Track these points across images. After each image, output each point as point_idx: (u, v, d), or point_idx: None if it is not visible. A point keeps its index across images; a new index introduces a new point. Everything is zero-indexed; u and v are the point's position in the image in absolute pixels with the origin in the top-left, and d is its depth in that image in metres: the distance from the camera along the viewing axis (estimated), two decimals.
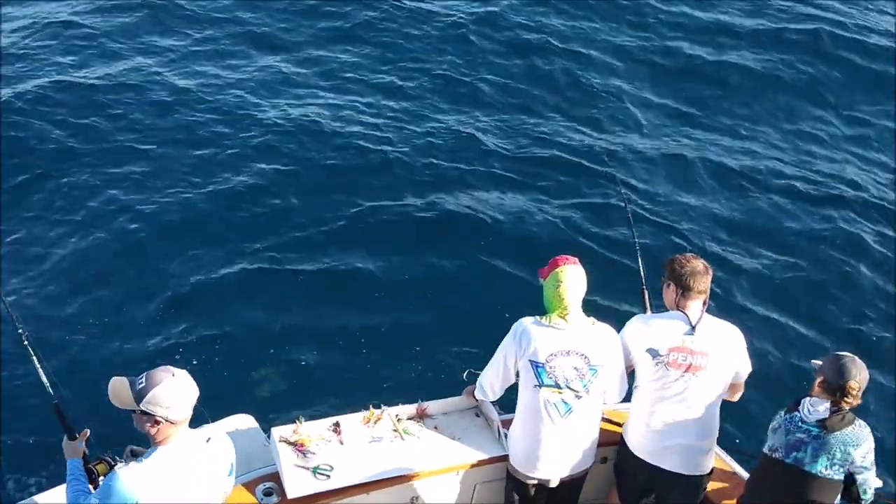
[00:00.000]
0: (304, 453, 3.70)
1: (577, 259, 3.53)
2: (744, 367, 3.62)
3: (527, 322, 3.49)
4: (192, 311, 6.10)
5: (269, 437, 3.83)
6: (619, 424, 3.89)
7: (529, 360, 3.42)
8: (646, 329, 3.56)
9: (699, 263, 3.58)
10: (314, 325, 6.05)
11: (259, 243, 6.78)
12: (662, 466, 3.61)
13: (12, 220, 6.80)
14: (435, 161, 7.99)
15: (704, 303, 3.57)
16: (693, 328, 3.49)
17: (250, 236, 6.85)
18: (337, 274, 6.57)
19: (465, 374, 4.03)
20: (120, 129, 7.98)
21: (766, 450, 3.39)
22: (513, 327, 3.52)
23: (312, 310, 6.19)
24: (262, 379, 5.55)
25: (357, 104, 8.75)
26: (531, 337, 3.42)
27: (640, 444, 3.66)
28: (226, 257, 6.62)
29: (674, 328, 3.51)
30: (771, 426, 3.44)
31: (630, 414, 3.73)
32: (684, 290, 3.51)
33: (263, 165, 7.68)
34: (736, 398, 3.73)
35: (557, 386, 3.40)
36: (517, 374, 3.52)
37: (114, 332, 5.86)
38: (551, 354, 3.40)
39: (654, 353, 3.51)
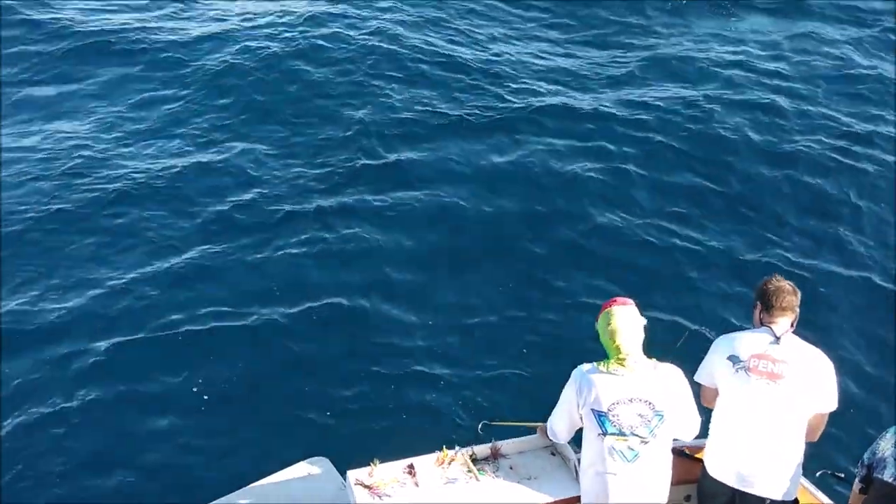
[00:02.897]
0: (379, 496, 3.70)
1: (630, 300, 3.48)
2: (829, 397, 3.51)
3: (585, 369, 3.43)
4: (257, 349, 6.12)
5: (345, 479, 3.84)
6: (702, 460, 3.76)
7: (591, 409, 3.35)
8: (729, 340, 3.61)
9: (785, 283, 3.64)
10: (383, 362, 6.05)
11: (314, 280, 6.82)
12: (745, 490, 3.50)
13: None
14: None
15: (792, 324, 3.58)
16: (777, 339, 3.50)
17: (302, 276, 6.87)
18: (401, 309, 6.56)
19: (479, 427, 4.04)
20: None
21: (889, 478, 3.32)
22: (572, 375, 3.47)
23: (381, 347, 6.19)
24: (334, 420, 5.56)
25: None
26: (591, 385, 3.36)
27: (721, 467, 3.56)
28: (283, 293, 6.64)
29: (758, 339, 3.55)
30: (892, 453, 3.35)
31: (710, 435, 3.64)
32: (768, 307, 3.58)
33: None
34: (816, 436, 3.61)
35: (622, 434, 3.32)
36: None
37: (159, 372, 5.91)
38: (613, 403, 3.32)
39: (735, 359, 3.52)
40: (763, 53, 10.34)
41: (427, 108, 8.91)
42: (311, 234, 7.24)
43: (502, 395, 5.78)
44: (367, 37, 10.00)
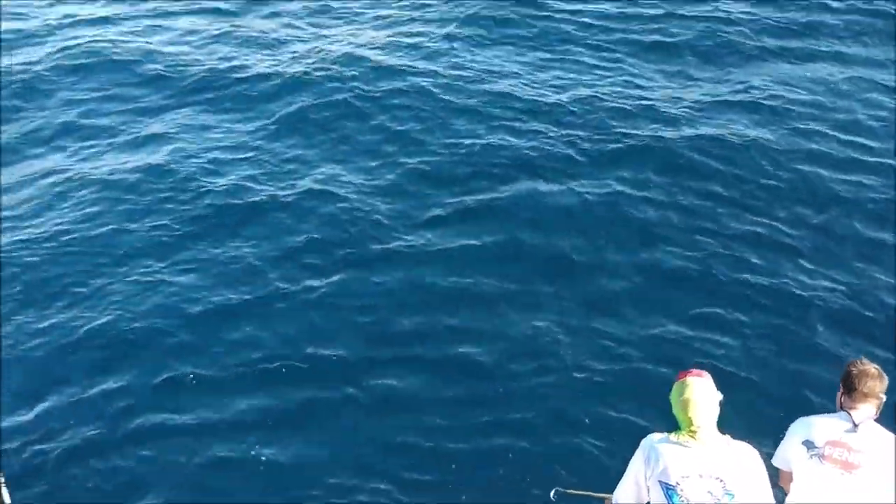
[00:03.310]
0: None
1: (705, 373, 3.40)
2: None
3: (655, 439, 3.36)
4: (327, 389, 6.13)
5: None
6: None
7: (659, 481, 3.26)
8: (806, 425, 3.53)
9: (871, 367, 3.54)
10: (454, 411, 5.97)
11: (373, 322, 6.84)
12: None
13: None
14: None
15: (877, 409, 3.49)
16: (855, 426, 3.39)
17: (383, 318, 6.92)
18: (477, 354, 6.47)
19: (552, 494, 3.97)
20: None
21: None
22: (641, 444, 3.40)
23: (453, 394, 6.12)
24: (401, 468, 5.52)
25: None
26: (660, 456, 3.28)
27: None
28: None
29: (835, 425, 3.45)
30: None
31: None
32: (850, 390, 3.49)
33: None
34: None
35: None
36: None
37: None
38: (683, 476, 3.22)
39: (809, 444, 3.43)
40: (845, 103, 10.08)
41: (506, 151, 8.94)
42: (388, 275, 7.30)
43: (575, 455, 5.63)
44: (448, 84, 10.17)
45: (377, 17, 12.03)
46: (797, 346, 6.60)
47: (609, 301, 7.03)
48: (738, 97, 9.96)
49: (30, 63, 10.89)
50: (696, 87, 10.26)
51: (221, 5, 12.51)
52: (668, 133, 9.15)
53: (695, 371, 3.40)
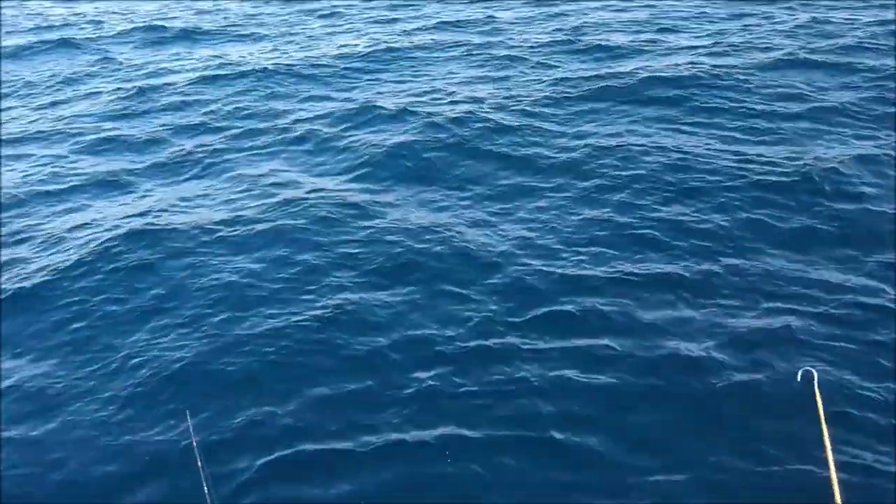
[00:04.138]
0: None
1: None
2: None
3: None
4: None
5: None
6: None
7: None
8: None
9: None
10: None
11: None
12: None
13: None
14: None
15: None
16: None
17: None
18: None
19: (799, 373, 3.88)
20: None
21: None
22: None
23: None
24: None
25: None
26: None
27: None
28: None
29: None
30: None
31: None
32: None
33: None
34: None
35: None
36: None
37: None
38: None
39: None
40: None
41: (649, 220, 8.90)
42: (547, 334, 7.15)
43: None
44: (585, 155, 10.47)
45: (517, 96, 12.68)
46: None
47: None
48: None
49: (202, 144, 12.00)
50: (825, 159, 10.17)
51: (355, 93, 13.63)
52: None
53: None
